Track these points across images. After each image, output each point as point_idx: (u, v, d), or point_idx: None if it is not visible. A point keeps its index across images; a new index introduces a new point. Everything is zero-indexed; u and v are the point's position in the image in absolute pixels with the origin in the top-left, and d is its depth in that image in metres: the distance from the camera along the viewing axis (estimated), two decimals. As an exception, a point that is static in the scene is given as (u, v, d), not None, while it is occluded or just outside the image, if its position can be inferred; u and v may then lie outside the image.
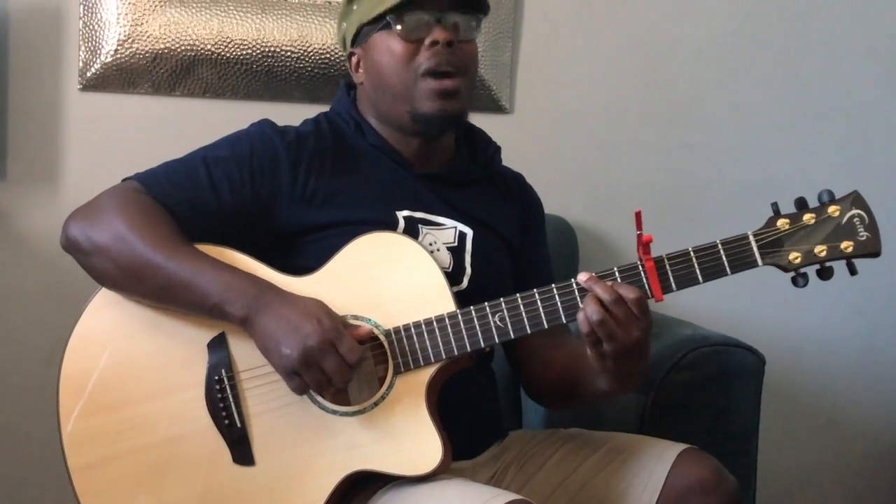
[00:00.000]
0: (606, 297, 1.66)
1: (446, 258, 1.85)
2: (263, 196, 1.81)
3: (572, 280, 1.72)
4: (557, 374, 1.92)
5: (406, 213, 1.84)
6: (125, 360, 1.76)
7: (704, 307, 2.47)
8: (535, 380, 1.99)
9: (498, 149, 2.03)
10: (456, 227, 1.88)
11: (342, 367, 1.65)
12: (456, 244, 1.87)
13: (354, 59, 1.93)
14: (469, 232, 1.88)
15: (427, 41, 1.83)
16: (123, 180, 1.82)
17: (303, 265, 1.78)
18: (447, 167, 1.94)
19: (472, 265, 1.87)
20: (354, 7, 1.90)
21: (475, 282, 1.85)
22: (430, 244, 1.83)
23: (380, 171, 1.88)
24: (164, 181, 1.79)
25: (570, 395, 1.92)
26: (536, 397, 2.03)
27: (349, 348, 1.65)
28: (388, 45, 1.85)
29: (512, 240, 1.98)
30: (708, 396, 2.23)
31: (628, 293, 1.66)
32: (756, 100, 2.91)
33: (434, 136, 1.90)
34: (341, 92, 1.99)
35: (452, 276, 1.82)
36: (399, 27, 1.83)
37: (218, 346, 1.74)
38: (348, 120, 1.93)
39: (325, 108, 2.30)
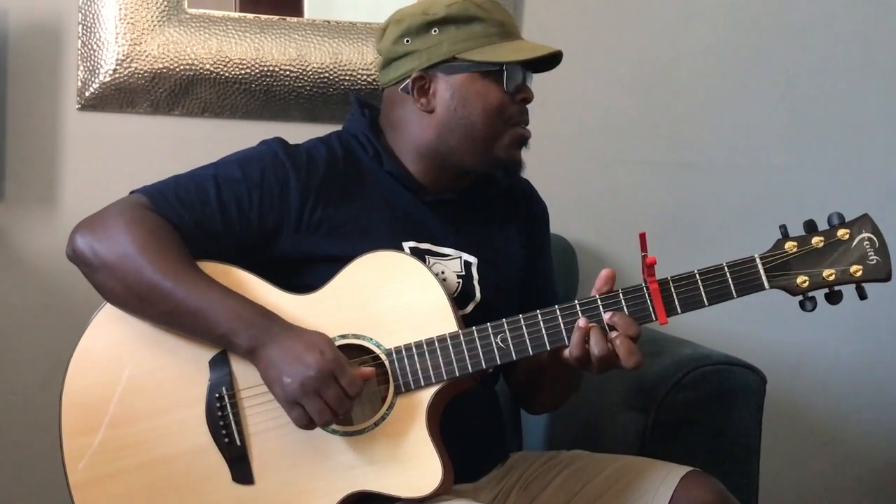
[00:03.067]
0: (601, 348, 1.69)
1: (454, 285, 1.85)
2: (270, 222, 1.80)
3: (575, 301, 1.72)
4: (524, 375, 1.96)
5: (412, 244, 1.83)
6: (128, 377, 1.75)
7: (705, 326, 2.47)
8: (512, 384, 2.02)
9: None
10: (461, 257, 1.87)
11: (342, 397, 1.65)
12: (464, 273, 1.87)
13: (422, 83, 1.86)
14: (473, 261, 1.88)
15: (520, 97, 1.86)
16: (131, 192, 1.81)
17: (306, 284, 1.78)
18: (459, 192, 1.92)
19: (481, 292, 1.87)
20: (434, 32, 1.84)
21: (483, 307, 1.84)
22: (439, 273, 1.82)
23: (390, 199, 1.87)
24: (173, 198, 1.78)
25: (534, 395, 1.97)
26: (517, 401, 2.06)
27: (350, 380, 1.65)
28: (486, 91, 1.84)
29: (519, 260, 1.98)
30: (709, 416, 2.23)
31: (628, 330, 1.69)
32: (756, 118, 2.92)
33: (494, 182, 1.92)
34: (355, 111, 1.95)
35: (459, 301, 1.82)
36: (508, 81, 1.83)
37: (220, 363, 1.74)
38: (366, 145, 1.90)
39: (324, 128, 2.29)
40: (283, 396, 1.66)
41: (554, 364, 1.80)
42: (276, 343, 1.67)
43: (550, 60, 1.90)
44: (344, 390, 1.65)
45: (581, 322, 1.69)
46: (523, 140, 1.88)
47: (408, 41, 1.87)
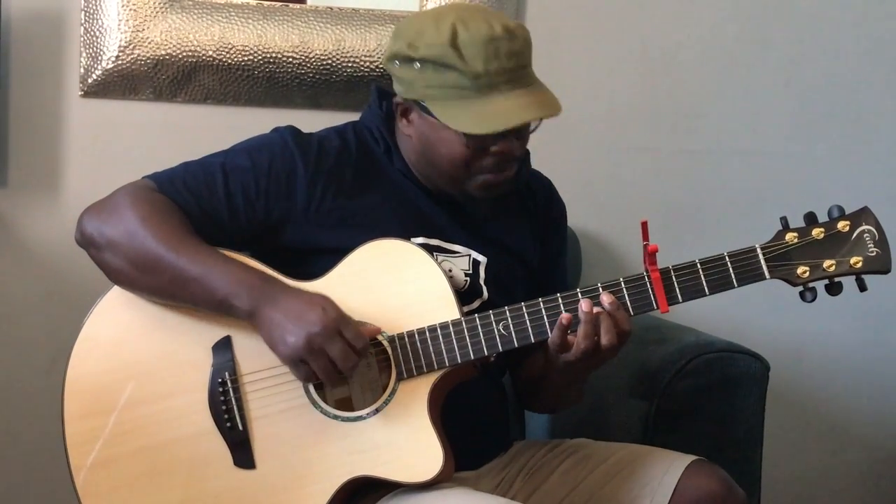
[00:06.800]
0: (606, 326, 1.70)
1: (461, 283, 1.85)
2: (276, 213, 1.80)
3: (577, 290, 1.73)
4: (527, 372, 1.95)
5: (421, 240, 1.83)
6: (130, 362, 1.76)
7: (708, 313, 2.46)
8: (516, 381, 2.01)
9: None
10: (470, 255, 1.87)
11: (347, 352, 1.65)
12: (471, 271, 1.86)
13: (403, 108, 1.83)
14: (483, 260, 1.87)
15: (493, 150, 1.77)
16: (143, 178, 1.82)
17: (311, 273, 1.78)
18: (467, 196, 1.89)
19: (488, 291, 1.87)
20: (417, 67, 1.76)
21: (490, 306, 1.82)
22: (447, 270, 1.81)
23: (400, 194, 1.86)
24: (181, 184, 1.79)
25: (534, 395, 1.97)
26: (518, 399, 2.06)
27: (354, 334, 1.66)
28: (450, 142, 1.77)
29: (531, 260, 1.97)
30: (712, 403, 2.23)
31: (623, 325, 1.70)
32: (761, 106, 2.91)
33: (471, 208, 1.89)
34: (373, 101, 1.92)
35: (465, 298, 1.82)
36: (470, 140, 1.75)
37: (222, 348, 1.75)
38: (379, 139, 1.88)
39: (327, 114, 2.31)
40: (288, 354, 1.66)
41: (551, 371, 1.81)
42: (277, 303, 1.67)
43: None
44: (350, 345, 1.65)
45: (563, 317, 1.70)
46: (496, 185, 1.80)
47: (396, 64, 1.81)
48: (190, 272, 1.70)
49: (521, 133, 1.79)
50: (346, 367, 1.66)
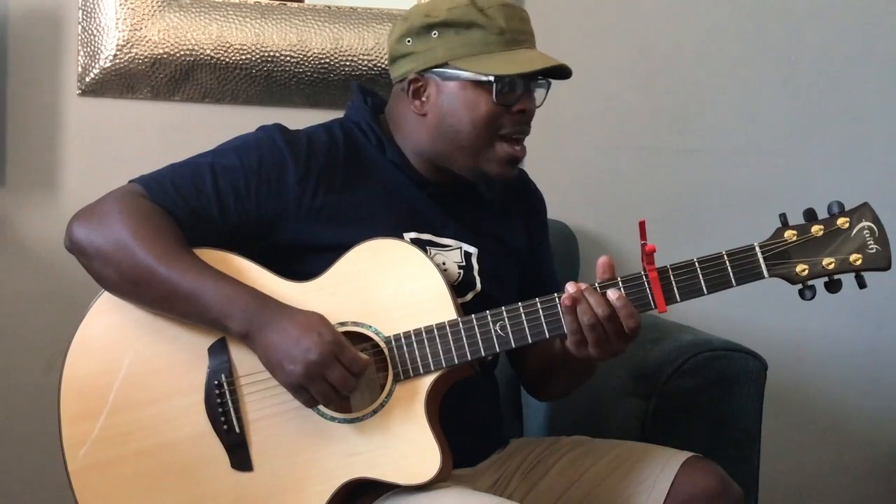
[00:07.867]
0: (601, 312, 1.68)
1: (455, 276, 1.84)
2: (268, 211, 1.79)
3: (571, 290, 1.72)
4: (537, 361, 1.94)
5: (413, 234, 1.83)
6: (126, 364, 1.76)
7: (706, 311, 2.46)
8: (523, 370, 2.01)
9: None
10: (461, 248, 1.87)
11: (346, 377, 1.66)
12: (464, 263, 1.86)
13: (417, 85, 1.83)
14: (474, 251, 1.87)
15: (515, 108, 1.80)
16: (129, 182, 1.81)
17: (306, 271, 1.77)
18: (461, 186, 1.90)
19: (481, 282, 1.86)
20: (435, 35, 1.80)
21: (483, 297, 1.84)
22: (441, 264, 1.81)
23: (391, 188, 1.86)
24: (169, 187, 1.77)
25: (546, 381, 1.97)
26: (527, 388, 2.06)
27: (351, 358, 1.66)
28: (475, 101, 1.79)
29: (520, 248, 1.98)
30: (710, 402, 2.23)
31: (629, 320, 1.68)
32: (759, 105, 2.91)
33: (485, 193, 1.88)
34: (357, 98, 1.93)
35: (458, 290, 1.82)
36: (498, 93, 1.78)
37: (218, 350, 1.74)
38: (368, 132, 1.88)
39: (325, 113, 2.29)
40: (288, 382, 1.67)
41: (567, 354, 1.79)
42: (272, 326, 1.67)
43: (560, 69, 1.84)
44: (347, 369, 1.65)
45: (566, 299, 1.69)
46: (513, 160, 1.83)
47: (409, 41, 1.83)
48: (181, 289, 1.69)
49: (533, 99, 1.85)
50: (346, 391, 1.67)
